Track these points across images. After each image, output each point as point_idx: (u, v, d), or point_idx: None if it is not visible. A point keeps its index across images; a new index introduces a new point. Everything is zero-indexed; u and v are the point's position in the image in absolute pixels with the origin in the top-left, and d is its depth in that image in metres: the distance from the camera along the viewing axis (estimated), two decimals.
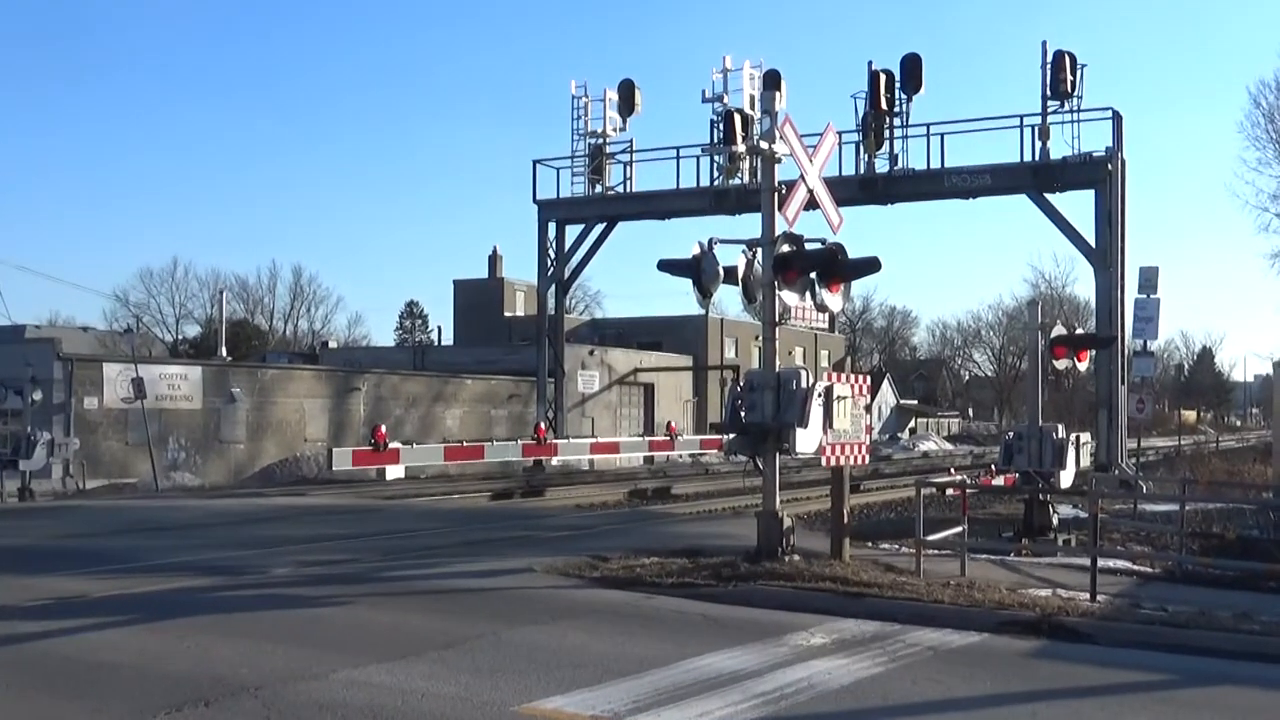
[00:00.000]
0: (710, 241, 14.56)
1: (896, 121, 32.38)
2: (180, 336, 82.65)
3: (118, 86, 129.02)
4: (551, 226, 38.47)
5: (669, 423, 44.03)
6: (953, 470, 29.95)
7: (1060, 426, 18.77)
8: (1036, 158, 30.93)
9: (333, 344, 70.51)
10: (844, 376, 15.10)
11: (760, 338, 15.14)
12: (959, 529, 15.41)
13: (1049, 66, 30.22)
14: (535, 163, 38.11)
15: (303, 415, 36.83)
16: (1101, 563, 13.94)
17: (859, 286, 26.07)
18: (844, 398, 14.62)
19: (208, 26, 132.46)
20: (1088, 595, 12.59)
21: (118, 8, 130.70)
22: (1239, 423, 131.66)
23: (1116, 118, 30.73)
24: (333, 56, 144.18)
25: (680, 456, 42.71)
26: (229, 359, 44.36)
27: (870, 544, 17.37)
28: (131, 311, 79.33)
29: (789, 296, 14.49)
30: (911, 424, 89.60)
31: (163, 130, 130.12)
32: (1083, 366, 20.90)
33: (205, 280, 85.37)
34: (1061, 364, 19.48)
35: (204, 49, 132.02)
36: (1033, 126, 30.89)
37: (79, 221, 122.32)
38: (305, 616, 11.45)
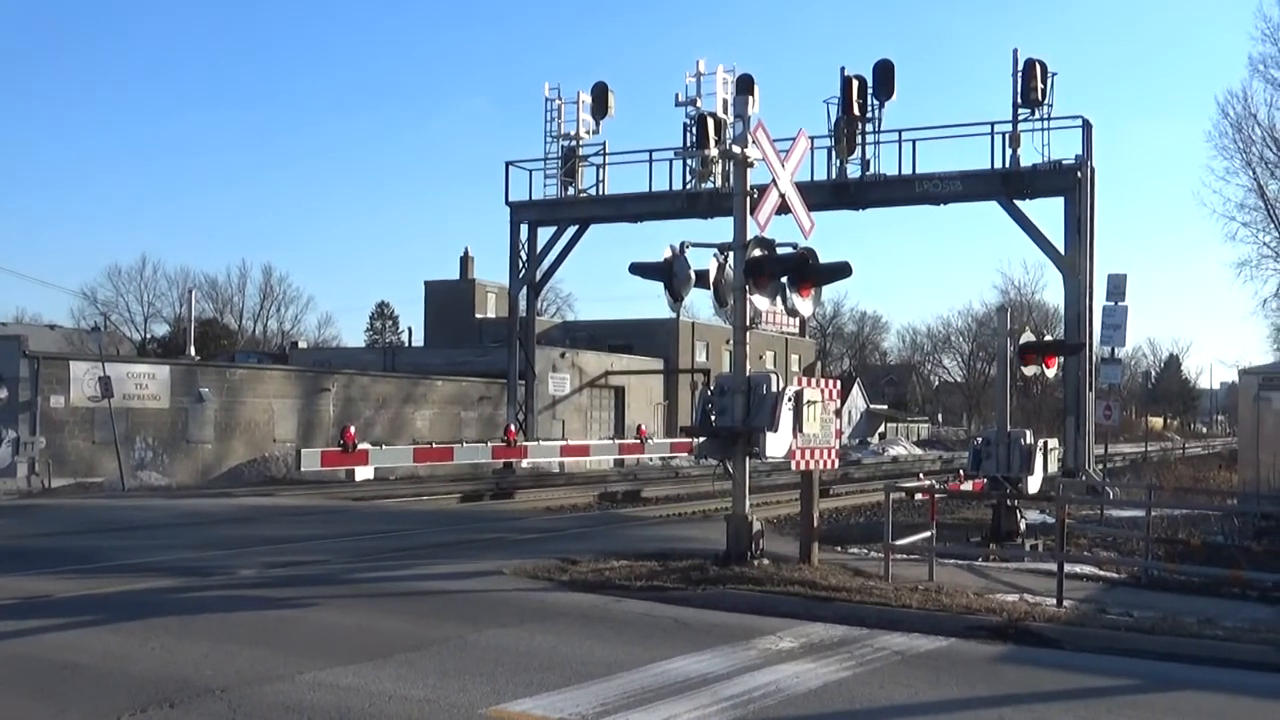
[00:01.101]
0: (682, 245, 14.59)
1: (869, 127, 32.54)
2: (148, 335, 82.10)
3: (89, 87, 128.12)
4: (524, 228, 38.42)
5: (639, 426, 44.07)
6: (922, 475, 30.16)
7: (1028, 432, 18.90)
8: (1007, 165, 31.14)
9: (302, 344, 70.23)
10: (814, 381, 15.14)
11: (731, 341, 15.16)
12: (927, 534, 15.48)
13: (1020, 75, 30.45)
14: (508, 164, 38.12)
15: (272, 416, 36.63)
16: (1068, 568, 14.03)
17: (829, 291, 26.09)
18: (814, 402, 14.66)
19: (178, 28, 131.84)
20: (1054, 600, 12.67)
21: (92, 10, 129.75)
22: (1205, 429, 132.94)
23: (1086, 126, 31.00)
24: (307, 58, 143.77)
25: (650, 459, 42.76)
26: (197, 358, 43.98)
27: (839, 548, 17.44)
28: (99, 310, 78.95)
29: (760, 301, 14.54)
30: (881, 429, 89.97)
31: (132, 129, 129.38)
32: (1051, 373, 21.05)
33: (174, 279, 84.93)
34: (1030, 370, 19.65)
35: (173, 50, 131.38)
36: (1003, 134, 31.14)
37: (47, 218, 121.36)
38: (272, 618, 11.37)
